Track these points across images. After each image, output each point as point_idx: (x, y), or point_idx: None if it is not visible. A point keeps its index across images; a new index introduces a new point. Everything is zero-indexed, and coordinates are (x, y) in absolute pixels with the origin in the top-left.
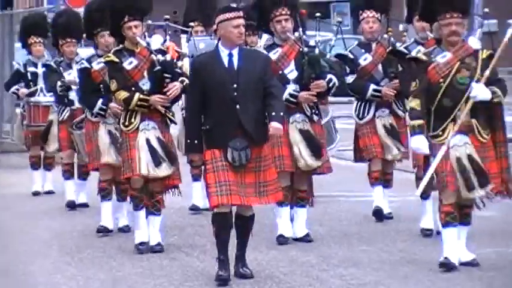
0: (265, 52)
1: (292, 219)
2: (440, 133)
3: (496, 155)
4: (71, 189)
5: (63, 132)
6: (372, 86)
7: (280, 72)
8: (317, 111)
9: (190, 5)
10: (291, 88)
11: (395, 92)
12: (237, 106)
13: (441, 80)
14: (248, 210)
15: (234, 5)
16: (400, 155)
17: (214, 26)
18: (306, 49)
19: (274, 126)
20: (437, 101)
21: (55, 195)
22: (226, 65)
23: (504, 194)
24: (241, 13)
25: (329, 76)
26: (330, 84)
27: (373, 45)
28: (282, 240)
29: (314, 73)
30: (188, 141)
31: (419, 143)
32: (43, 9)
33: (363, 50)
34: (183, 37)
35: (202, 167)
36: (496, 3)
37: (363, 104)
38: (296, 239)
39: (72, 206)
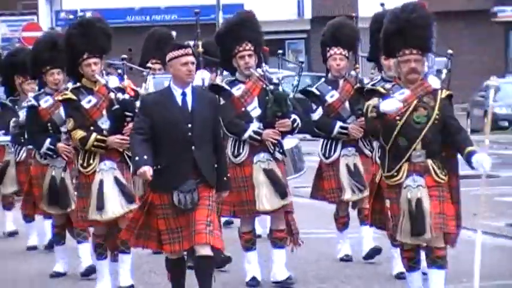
0: (213, 94)
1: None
2: (395, 173)
3: (451, 198)
4: (34, 232)
5: (22, 175)
6: (339, 124)
7: (243, 109)
8: (281, 150)
9: (148, 43)
10: (255, 126)
11: (362, 130)
12: (193, 147)
13: (397, 117)
14: (204, 249)
15: (188, 42)
16: (357, 197)
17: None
18: (271, 86)
19: (224, 195)
20: (392, 140)
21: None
22: (180, 104)
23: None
24: (189, 50)
25: (293, 116)
26: (294, 125)
27: (340, 82)
28: (253, 283)
29: (280, 111)
30: (136, 158)
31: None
32: None
33: (330, 87)
34: (150, 77)
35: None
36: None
37: (329, 142)
38: (276, 282)
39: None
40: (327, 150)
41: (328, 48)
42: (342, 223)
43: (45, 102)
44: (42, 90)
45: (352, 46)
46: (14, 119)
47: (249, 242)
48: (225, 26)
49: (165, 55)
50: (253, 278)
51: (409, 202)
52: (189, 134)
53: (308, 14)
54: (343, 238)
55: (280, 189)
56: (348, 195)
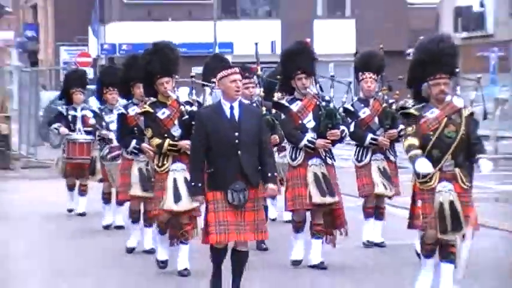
0: (263, 108)
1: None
2: (429, 180)
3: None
4: (109, 214)
5: (104, 167)
6: (370, 135)
7: (300, 122)
8: (331, 156)
9: (209, 65)
10: (310, 136)
11: (389, 141)
12: (239, 152)
13: (431, 132)
14: (243, 247)
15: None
16: (389, 192)
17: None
18: (323, 103)
19: (271, 187)
20: (426, 152)
21: (86, 217)
22: (229, 116)
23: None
24: (236, 70)
25: (342, 127)
26: (343, 134)
27: (371, 101)
28: (296, 263)
29: (331, 124)
30: (192, 184)
31: (423, 164)
32: (59, 67)
33: (362, 105)
34: (207, 89)
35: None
36: None
37: (361, 149)
38: (311, 266)
39: (107, 228)
40: (359, 156)
41: (361, 73)
42: (368, 213)
43: (132, 111)
44: (130, 101)
45: (380, 72)
46: (99, 132)
47: (299, 228)
48: (287, 53)
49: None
50: (296, 261)
51: (441, 205)
52: (236, 141)
53: (279, 51)
54: (368, 225)
55: (329, 189)
56: (380, 190)
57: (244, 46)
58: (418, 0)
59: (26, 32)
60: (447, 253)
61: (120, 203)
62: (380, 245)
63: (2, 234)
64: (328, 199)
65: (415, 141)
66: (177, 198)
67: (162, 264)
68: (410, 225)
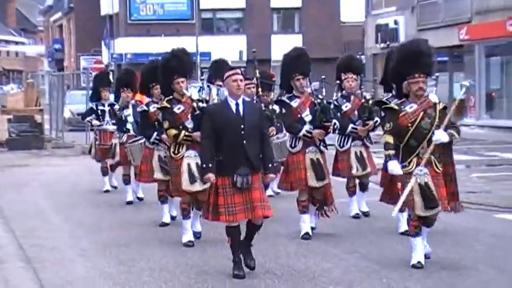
0: (261, 104)
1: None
2: (407, 164)
3: (445, 182)
4: (130, 192)
5: (122, 151)
6: (351, 125)
7: (299, 115)
8: (324, 144)
9: (211, 69)
10: (307, 127)
11: (367, 130)
12: (244, 142)
13: (409, 124)
14: (258, 220)
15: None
16: (361, 172)
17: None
18: (318, 100)
19: (271, 176)
20: (405, 141)
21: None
22: (234, 112)
23: (450, 210)
24: (238, 71)
25: (334, 121)
26: (335, 126)
27: (352, 97)
28: (307, 236)
29: (325, 117)
30: (203, 166)
31: (393, 167)
32: (80, 72)
33: (345, 100)
34: (213, 87)
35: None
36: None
37: (343, 137)
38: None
39: (130, 203)
40: (342, 142)
41: (343, 74)
42: (351, 191)
43: (153, 108)
44: (151, 99)
45: (359, 72)
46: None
47: (304, 207)
48: (287, 58)
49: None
50: (307, 233)
51: (419, 185)
52: (242, 132)
53: (245, 58)
54: (352, 201)
55: (322, 173)
56: (357, 172)
57: (219, 55)
58: (349, 19)
59: (54, 45)
60: (427, 219)
61: (126, 183)
62: (365, 214)
63: (40, 195)
64: (319, 183)
65: (391, 139)
66: (192, 179)
67: (189, 243)
68: (382, 199)
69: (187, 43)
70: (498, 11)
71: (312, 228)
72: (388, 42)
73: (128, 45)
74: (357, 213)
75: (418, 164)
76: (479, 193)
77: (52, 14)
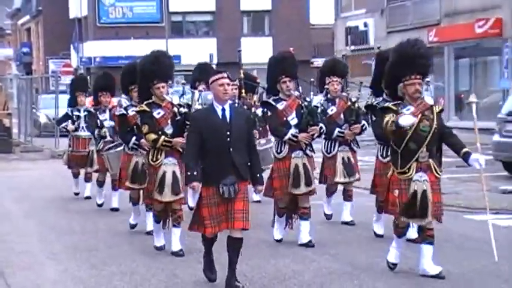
0: (248, 110)
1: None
2: (407, 170)
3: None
4: (101, 195)
5: (100, 158)
6: (337, 129)
7: (285, 118)
8: (311, 148)
9: (196, 72)
10: (293, 131)
11: (354, 134)
12: (231, 149)
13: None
14: (237, 233)
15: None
16: (347, 180)
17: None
18: (305, 103)
19: (259, 188)
20: (404, 144)
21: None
22: (220, 117)
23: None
24: (224, 74)
25: (321, 124)
26: (321, 130)
27: (337, 100)
28: (279, 240)
29: (312, 121)
30: (188, 173)
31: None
32: (48, 75)
33: (330, 104)
34: (196, 92)
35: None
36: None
37: (330, 142)
38: (301, 245)
39: (100, 206)
40: (328, 148)
41: (327, 77)
42: (331, 191)
43: (132, 112)
44: (130, 103)
45: (344, 75)
46: (98, 127)
47: (281, 213)
48: (273, 60)
49: (208, 79)
50: (280, 239)
51: (414, 193)
52: (228, 139)
53: (215, 61)
54: (329, 203)
55: (308, 179)
56: (341, 179)
57: (189, 58)
58: (319, 21)
59: (22, 48)
60: (426, 236)
61: (115, 188)
62: (349, 223)
63: (9, 199)
64: (303, 189)
65: (392, 118)
66: (162, 189)
67: (161, 249)
68: (383, 210)
69: (157, 46)
70: (466, 13)
71: (308, 244)
72: (358, 45)
73: (97, 49)
74: (330, 214)
75: (418, 169)
76: (449, 194)
77: (20, 17)
